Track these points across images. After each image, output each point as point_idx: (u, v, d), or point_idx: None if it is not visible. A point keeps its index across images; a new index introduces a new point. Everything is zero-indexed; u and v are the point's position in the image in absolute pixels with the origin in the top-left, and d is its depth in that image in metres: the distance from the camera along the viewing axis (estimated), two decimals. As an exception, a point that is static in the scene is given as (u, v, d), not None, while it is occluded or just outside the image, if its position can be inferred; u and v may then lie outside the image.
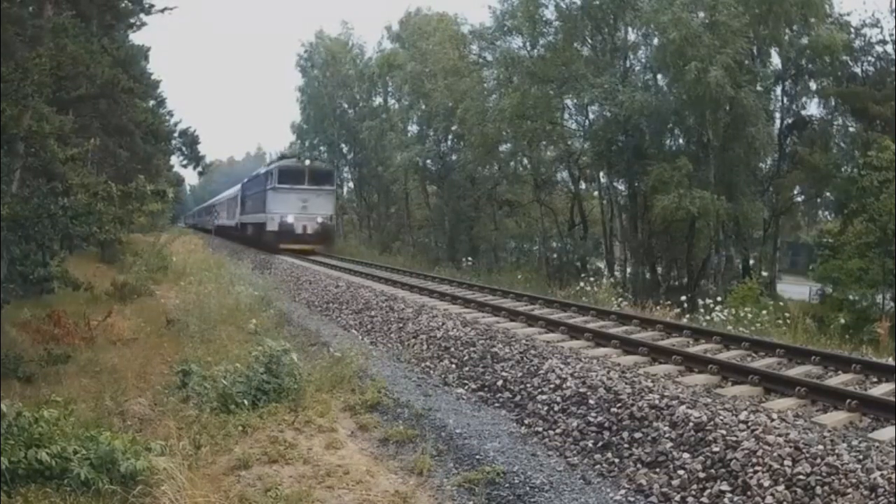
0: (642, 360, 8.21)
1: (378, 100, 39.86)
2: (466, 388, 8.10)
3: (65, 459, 5.02)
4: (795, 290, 21.36)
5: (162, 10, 14.35)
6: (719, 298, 14.27)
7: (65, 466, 4.98)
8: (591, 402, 6.68)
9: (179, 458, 5.15)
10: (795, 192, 21.80)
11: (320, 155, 40.96)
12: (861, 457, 4.77)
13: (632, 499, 5.10)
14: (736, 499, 4.76)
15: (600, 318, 11.18)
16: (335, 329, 12.38)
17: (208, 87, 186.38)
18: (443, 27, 29.69)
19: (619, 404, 6.42)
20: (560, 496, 5.12)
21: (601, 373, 7.25)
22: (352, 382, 7.98)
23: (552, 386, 7.27)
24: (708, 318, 12.68)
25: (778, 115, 21.21)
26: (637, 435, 5.88)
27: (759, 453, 5.00)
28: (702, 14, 18.82)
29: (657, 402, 6.20)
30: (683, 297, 13.88)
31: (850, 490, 4.45)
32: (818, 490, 4.53)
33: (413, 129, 32.63)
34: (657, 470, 5.36)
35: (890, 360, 8.68)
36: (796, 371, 7.74)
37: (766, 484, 4.73)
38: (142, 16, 16.11)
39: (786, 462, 4.86)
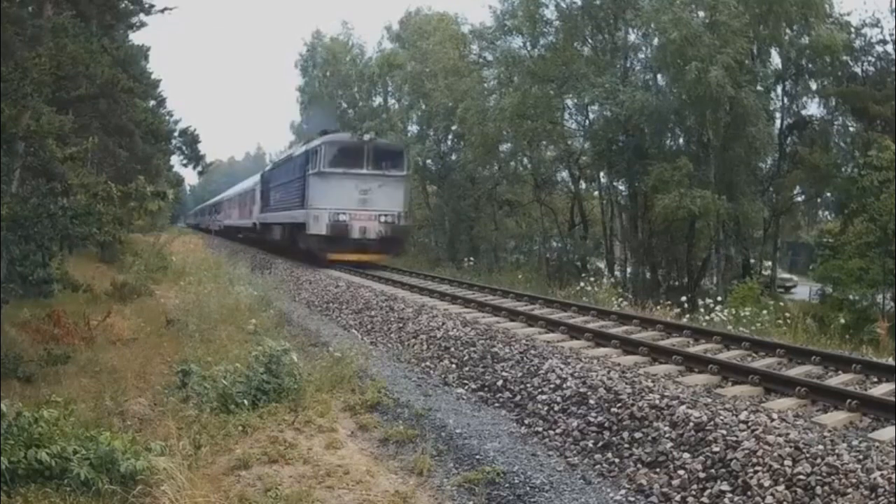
0: (642, 360, 8.20)
1: (378, 100, 39.83)
2: (466, 388, 8.10)
3: (64, 459, 5.01)
4: (796, 289, 21.38)
5: (162, 10, 14.35)
6: (720, 298, 14.27)
7: (65, 466, 4.97)
8: (591, 402, 6.68)
9: (179, 458, 5.15)
10: (795, 191, 21.79)
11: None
12: (861, 457, 4.77)
13: (632, 499, 5.09)
14: (736, 499, 4.75)
15: (600, 318, 11.18)
16: (335, 329, 12.38)
17: (208, 87, 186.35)
18: (443, 27, 29.66)
19: (619, 404, 6.41)
20: (560, 496, 5.12)
21: (601, 373, 7.24)
22: (352, 382, 7.98)
23: (552, 386, 7.27)
24: (708, 318, 12.67)
25: (778, 114, 21.22)
26: (637, 435, 5.87)
27: (760, 453, 5.00)
28: (702, 14, 18.82)
29: (657, 402, 6.20)
30: (684, 298, 13.88)
31: (850, 490, 4.45)
32: (818, 490, 4.53)
33: (413, 129, 32.61)
34: (657, 470, 5.36)
35: (890, 360, 8.68)
36: (796, 371, 7.74)
37: (767, 484, 4.72)
38: (142, 16, 16.11)
39: (786, 462, 4.85)
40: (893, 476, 4.44)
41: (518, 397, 7.40)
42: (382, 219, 20.65)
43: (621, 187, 22.56)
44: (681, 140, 21.27)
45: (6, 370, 7.95)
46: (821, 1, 19.28)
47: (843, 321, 13.48)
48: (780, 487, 4.65)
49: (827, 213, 23.30)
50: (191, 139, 21.67)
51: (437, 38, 28.29)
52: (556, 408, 6.84)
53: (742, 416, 5.61)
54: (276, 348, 7.41)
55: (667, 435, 5.68)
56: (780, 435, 5.18)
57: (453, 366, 8.87)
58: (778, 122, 21.05)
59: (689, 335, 9.72)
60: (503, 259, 26.88)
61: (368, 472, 5.48)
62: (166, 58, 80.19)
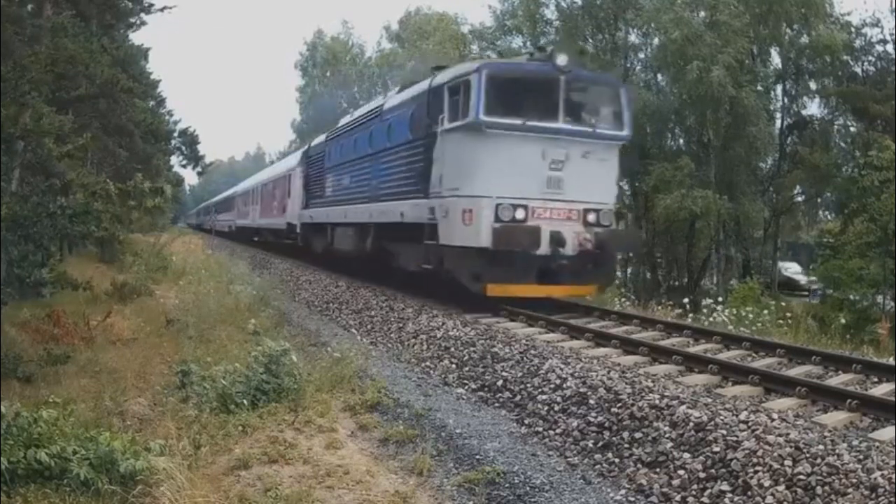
0: (643, 360, 8.19)
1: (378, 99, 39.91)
2: (466, 388, 8.09)
3: (64, 460, 5.01)
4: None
5: (161, 10, 14.40)
6: (720, 298, 14.28)
7: (64, 467, 4.97)
8: (591, 402, 6.67)
9: (179, 458, 5.15)
10: (796, 191, 21.86)
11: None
12: (861, 457, 4.76)
13: (632, 499, 5.09)
14: (736, 499, 4.75)
15: (601, 319, 11.16)
16: (335, 329, 12.37)
17: (208, 87, 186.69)
18: (443, 27, 29.74)
19: (619, 404, 6.40)
20: (560, 496, 5.11)
21: (601, 373, 7.23)
22: (352, 382, 7.97)
23: (552, 386, 7.26)
24: (711, 319, 12.67)
25: (778, 114, 21.29)
26: (637, 435, 5.87)
27: (760, 453, 4.99)
28: (703, 14, 18.86)
29: (657, 401, 6.19)
30: (686, 299, 13.86)
31: (850, 490, 4.44)
32: (818, 490, 4.52)
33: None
34: (657, 470, 5.35)
35: (890, 360, 8.67)
36: (797, 371, 7.73)
37: (767, 484, 4.72)
38: (141, 15, 16.15)
39: (786, 462, 4.85)
40: (894, 476, 4.43)
41: (518, 397, 7.39)
42: (591, 216, 11.06)
43: (624, 187, 22.59)
44: (681, 140, 21.31)
45: (6, 370, 7.96)
46: (821, 1, 19.32)
47: (843, 321, 13.49)
48: (781, 487, 4.65)
49: (827, 212, 23.33)
50: (190, 139, 21.71)
51: (436, 38, 28.36)
52: (556, 408, 6.83)
53: (742, 416, 5.61)
54: (275, 348, 7.41)
55: (667, 435, 5.68)
56: (780, 435, 5.17)
57: (453, 366, 8.86)
58: (778, 122, 21.11)
59: (690, 335, 9.71)
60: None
61: (368, 472, 5.47)
62: (166, 58, 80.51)
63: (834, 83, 20.00)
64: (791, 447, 4.97)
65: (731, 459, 5.06)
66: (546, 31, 22.76)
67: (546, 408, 6.90)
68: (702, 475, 5.06)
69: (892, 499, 4.27)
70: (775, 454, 4.93)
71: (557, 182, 10.82)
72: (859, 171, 16.79)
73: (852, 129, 20.58)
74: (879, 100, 18.40)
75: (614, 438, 5.97)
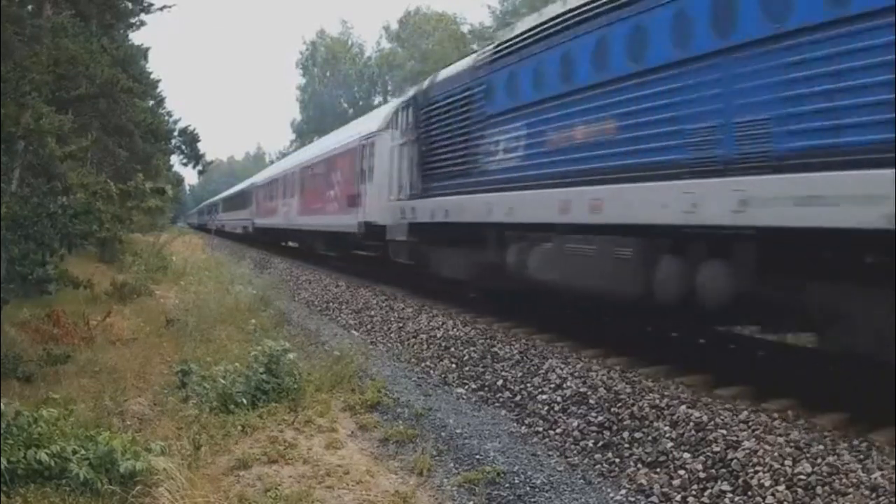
0: (642, 360, 8.18)
1: (378, 99, 39.88)
2: (466, 387, 8.09)
3: (64, 459, 5.01)
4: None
5: (161, 9, 14.40)
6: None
7: (64, 466, 4.97)
8: (591, 401, 6.67)
9: (179, 458, 5.15)
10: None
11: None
12: (861, 457, 4.76)
13: (632, 499, 5.09)
14: (737, 499, 4.75)
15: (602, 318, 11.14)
16: (335, 328, 12.37)
17: (208, 87, 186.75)
18: (442, 26, 29.74)
19: (619, 404, 6.40)
20: (560, 496, 5.11)
21: (601, 372, 7.23)
22: (352, 382, 7.97)
23: (552, 385, 7.26)
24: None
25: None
26: (637, 435, 5.87)
27: (760, 453, 4.99)
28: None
29: (657, 401, 6.19)
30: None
31: (850, 490, 4.44)
32: (818, 490, 4.52)
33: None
34: (658, 470, 5.35)
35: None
36: (797, 370, 7.71)
37: (767, 484, 4.72)
38: (141, 15, 16.16)
39: (786, 462, 4.84)
40: (894, 476, 4.43)
41: (518, 397, 7.39)
42: None
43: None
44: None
45: (6, 370, 7.96)
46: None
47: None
48: (781, 487, 4.64)
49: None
50: (190, 139, 21.67)
51: (436, 37, 28.35)
52: (557, 407, 6.83)
53: (742, 416, 5.61)
54: (275, 348, 7.41)
55: (667, 435, 5.67)
56: (780, 434, 5.17)
57: (453, 365, 8.86)
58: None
59: (690, 335, 9.68)
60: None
61: (368, 472, 5.47)
62: (166, 57, 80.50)
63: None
64: (791, 447, 4.97)
65: (731, 459, 5.05)
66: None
67: (546, 407, 6.90)
68: (702, 475, 5.06)
69: (893, 499, 4.27)
70: (776, 454, 4.93)
71: None
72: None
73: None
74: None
75: (614, 438, 5.97)
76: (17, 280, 8.67)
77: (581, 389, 6.94)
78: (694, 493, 4.93)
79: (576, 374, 7.33)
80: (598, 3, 7.43)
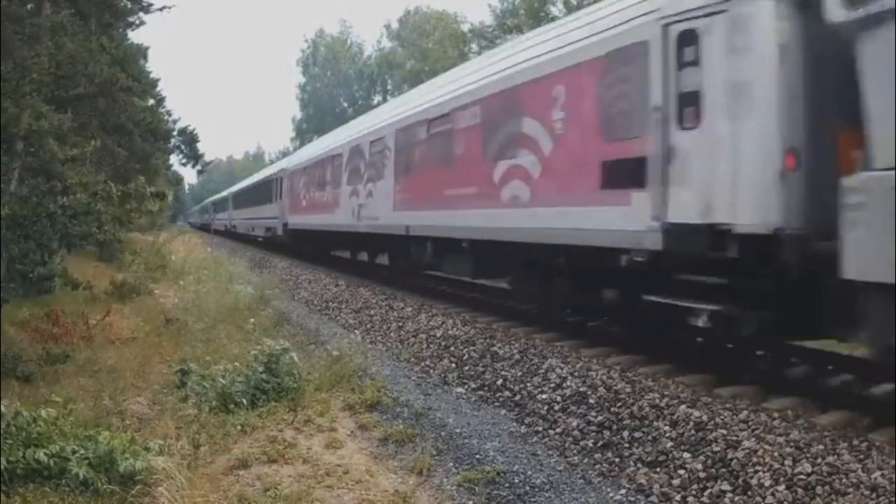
0: (642, 359, 8.18)
1: (377, 98, 39.87)
2: (466, 387, 8.09)
3: (63, 459, 5.01)
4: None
5: (161, 9, 14.38)
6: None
7: (63, 466, 4.97)
8: (591, 401, 6.67)
9: (178, 457, 5.15)
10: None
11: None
12: (862, 457, 4.76)
13: (632, 498, 5.08)
14: (737, 499, 4.74)
15: (601, 318, 11.12)
16: (334, 328, 12.37)
17: (207, 86, 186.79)
18: (442, 25, 29.73)
19: (619, 403, 6.40)
20: (560, 496, 5.11)
21: (601, 372, 7.23)
22: (351, 381, 7.97)
23: (552, 385, 7.26)
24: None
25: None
26: (637, 434, 5.86)
27: (760, 453, 4.99)
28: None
29: (657, 401, 6.19)
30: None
31: (850, 490, 4.44)
32: (818, 490, 4.52)
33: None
34: (657, 469, 5.35)
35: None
36: (797, 370, 7.72)
37: (767, 483, 4.72)
38: (141, 14, 16.14)
39: (786, 462, 4.84)
40: (894, 476, 4.43)
41: (518, 396, 7.39)
42: None
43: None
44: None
45: (5, 369, 7.96)
46: None
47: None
48: (781, 487, 4.64)
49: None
50: (190, 138, 21.63)
51: (436, 36, 28.34)
52: (556, 407, 6.82)
53: (742, 416, 5.61)
54: (275, 347, 7.41)
55: (667, 434, 5.67)
56: (780, 434, 5.17)
57: (453, 365, 8.86)
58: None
59: (689, 334, 9.67)
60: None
61: (368, 472, 5.47)
62: (165, 56, 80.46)
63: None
64: (791, 447, 4.97)
65: (731, 459, 5.05)
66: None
67: (546, 407, 6.89)
68: (702, 475, 5.06)
69: (893, 499, 4.27)
70: (776, 454, 4.93)
71: None
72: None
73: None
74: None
75: (614, 438, 5.96)
76: (17, 279, 8.67)
77: (581, 389, 6.93)
78: (694, 492, 4.93)
79: (575, 373, 7.33)
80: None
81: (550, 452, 6.00)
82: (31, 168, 10.81)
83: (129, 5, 15.13)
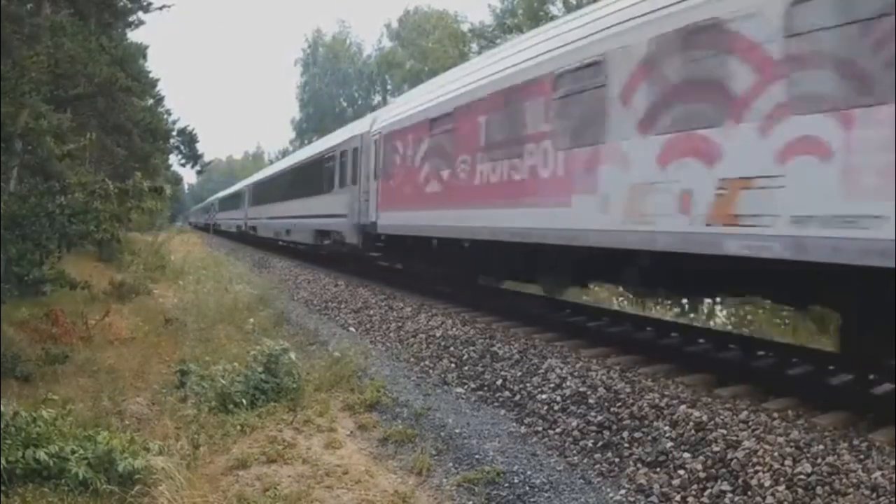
0: (642, 359, 8.18)
1: (377, 98, 39.85)
2: (466, 387, 8.08)
3: (63, 459, 5.01)
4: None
5: (160, 8, 14.41)
6: (719, 299, 14.23)
7: (63, 466, 4.97)
8: (590, 401, 6.67)
9: (177, 457, 5.15)
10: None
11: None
12: (862, 457, 4.76)
13: (632, 499, 5.08)
14: (736, 499, 4.74)
15: (601, 318, 11.14)
16: (334, 328, 12.36)
17: (207, 86, 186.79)
18: (442, 25, 29.73)
19: (619, 403, 6.40)
20: (560, 496, 5.10)
21: (601, 372, 7.23)
22: (351, 382, 7.97)
23: (552, 385, 7.25)
24: (714, 321, 12.65)
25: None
26: (637, 434, 5.86)
27: (760, 453, 4.99)
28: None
29: (657, 401, 6.18)
30: (685, 300, 13.82)
31: (850, 490, 4.43)
32: (818, 490, 4.52)
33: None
34: (657, 469, 5.34)
35: (891, 361, 8.64)
36: (797, 370, 7.72)
37: (767, 484, 4.71)
38: (140, 14, 16.15)
39: (786, 462, 4.84)
40: (894, 476, 4.43)
41: (517, 397, 7.38)
42: None
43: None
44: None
45: (4, 369, 7.95)
46: None
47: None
48: (781, 488, 4.64)
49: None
50: (189, 138, 21.68)
51: (436, 36, 28.33)
52: (556, 407, 6.82)
53: (742, 416, 5.60)
54: (274, 347, 7.40)
55: (667, 434, 5.67)
56: (780, 434, 5.17)
57: (452, 365, 8.85)
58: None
59: (690, 334, 9.68)
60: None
61: (367, 472, 5.46)
62: (164, 56, 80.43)
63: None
64: (792, 447, 4.97)
65: (731, 459, 5.05)
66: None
67: (546, 407, 6.89)
68: (702, 475, 5.05)
69: (893, 499, 4.27)
70: (776, 454, 4.93)
71: None
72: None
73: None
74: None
75: (614, 438, 5.96)
76: (14, 280, 8.66)
77: (581, 389, 6.93)
78: (694, 493, 4.93)
79: (575, 373, 7.33)
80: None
81: (550, 453, 5.99)
82: (29, 166, 10.80)
83: (129, 5, 15.14)
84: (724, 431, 5.38)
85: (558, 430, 6.40)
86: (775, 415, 5.66)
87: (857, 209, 5.15)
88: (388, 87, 37.28)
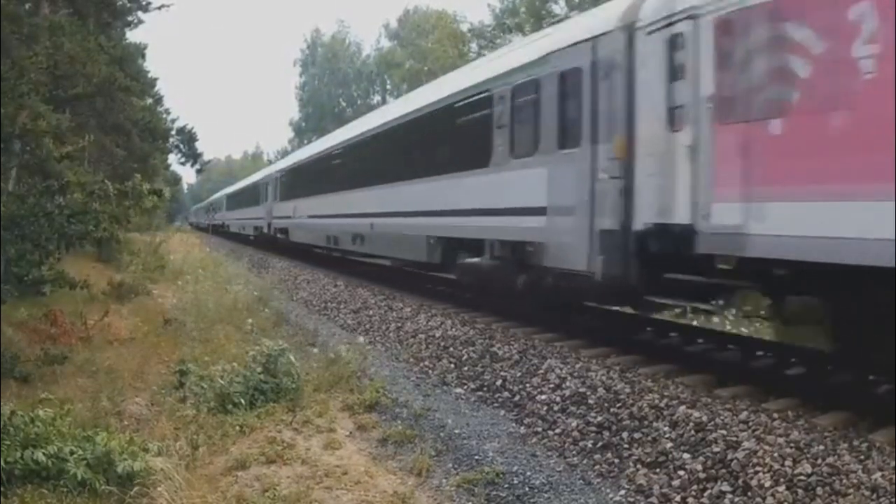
0: (642, 360, 8.17)
1: (376, 98, 39.84)
2: (465, 387, 8.07)
3: (61, 460, 5.00)
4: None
5: (159, 7, 14.40)
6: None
7: (61, 467, 4.96)
8: (590, 401, 6.66)
9: (176, 458, 5.14)
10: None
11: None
12: (862, 457, 4.75)
13: (632, 499, 5.07)
14: (737, 499, 4.73)
15: (601, 318, 11.13)
16: (333, 328, 12.35)
17: (206, 86, 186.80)
18: (442, 25, 29.72)
19: (618, 404, 6.39)
20: (559, 496, 5.09)
21: (601, 372, 7.22)
22: (350, 382, 7.95)
23: (552, 385, 7.25)
24: (715, 321, 12.60)
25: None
26: (637, 435, 5.85)
27: (760, 453, 4.98)
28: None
29: (657, 401, 6.17)
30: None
31: (850, 490, 4.43)
32: (819, 490, 4.51)
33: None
34: (657, 470, 5.33)
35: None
36: (796, 370, 7.71)
37: (767, 484, 4.70)
38: (139, 13, 16.15)
39: (787, 462, 4.83)
40: (894, 476, 4.42)
41: (517, 397, 7.37)
42: None
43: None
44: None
45: (3, 370, 7.94)
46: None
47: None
48: (781, 488, 4.63)
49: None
50: (188, 137, 21.68)
51: (435, 35, 28.32)
52: (556, 408, 6.81)
53: (742, 416, 5.59)
54: (273, 348, 7.39)
55: (667, 435, 5.66)
56: (780, 435, 5.16)
57: (452, 365, 8.84)
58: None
59: (690, 334, 9.67)
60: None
61: (367, 473, 5.46)
62: (164, 56, 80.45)
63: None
64: (792, 447, 4.96)
65: (731, 460, 5.04)
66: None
67: (545, 408, 6.88)
68: (702, 475, 5.05)
69: (893, 499, 4.26)
70: (776, 454, 4.92)
71: None
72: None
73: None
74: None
75: (614, 439, 5.95)
76: (13, 281, 8.65)
77: (580, 389, 6.92)
78: (693, 493, 4.92)
79: (575, 374, 7.32)
80: None
81: (550, 453, 5.98)
82: (28, 167, 10.79)
83: (128, 4, 15.14)
84: (724, 432, 5.38)
85: (558, 430, 6.39)
86: (775, 415, 5.65)
87: None
88: (388, 86, 37.31)
